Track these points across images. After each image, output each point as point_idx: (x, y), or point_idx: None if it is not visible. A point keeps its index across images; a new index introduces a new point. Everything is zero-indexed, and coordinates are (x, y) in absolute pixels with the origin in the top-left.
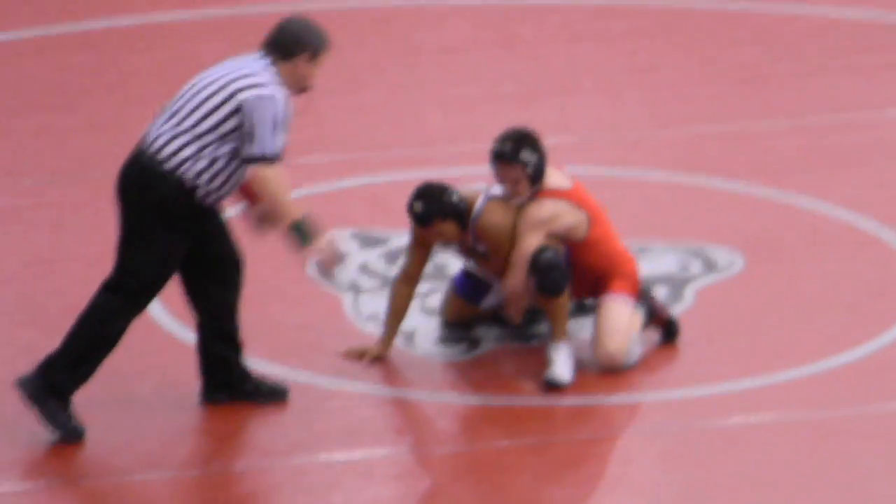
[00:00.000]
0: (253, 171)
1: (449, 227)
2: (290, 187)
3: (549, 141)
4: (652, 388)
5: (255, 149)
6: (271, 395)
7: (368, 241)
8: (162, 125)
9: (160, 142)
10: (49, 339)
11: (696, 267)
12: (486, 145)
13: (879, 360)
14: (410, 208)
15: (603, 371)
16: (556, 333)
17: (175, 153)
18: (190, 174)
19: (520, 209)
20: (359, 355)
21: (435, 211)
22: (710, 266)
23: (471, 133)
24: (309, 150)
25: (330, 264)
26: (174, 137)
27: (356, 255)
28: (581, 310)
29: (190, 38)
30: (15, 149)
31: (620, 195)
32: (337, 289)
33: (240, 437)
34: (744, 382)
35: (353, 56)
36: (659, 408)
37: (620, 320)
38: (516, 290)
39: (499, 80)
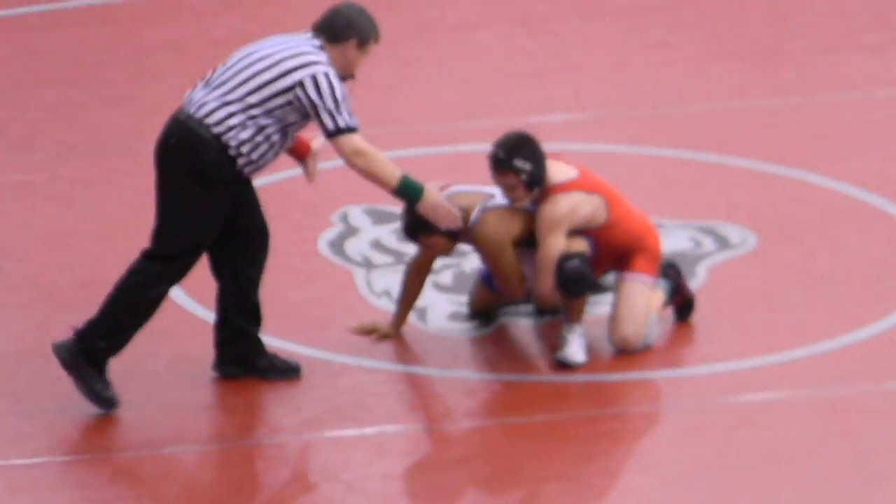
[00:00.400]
0: (341, 144)
1: (438, 241)
2: (380, 153)
3: (562, 117)
4: (665, 365)
5: (333, 123)
6: (284, 371)
7: (381, 217)
8: (208, 93)
9: (207, 108)
10: (61, 313)
11: (708, 244)
12: (501, 122)
13: (891, 338)
14: (400, 221)
15: (618, 349)
16: (571, 316)
17: (223, 120)
18: (234, 142)
19: (527, 215)
20: (369, 331)
21: (422, 226)
22: (722, 243)
23: (485, 109)
24: None
25: (447, 219)
26: (222, 105)
27: (369, 231)
28: (598, 289)
29: (203, 14)
30: (27, 123)
31: (633, 172)
32: (349, 264)
33: (252, 412)
34: (757, 360)
35: None
36: (672, 385)
37: (639, 304)
38: (547, 294)
39: (513, 57)
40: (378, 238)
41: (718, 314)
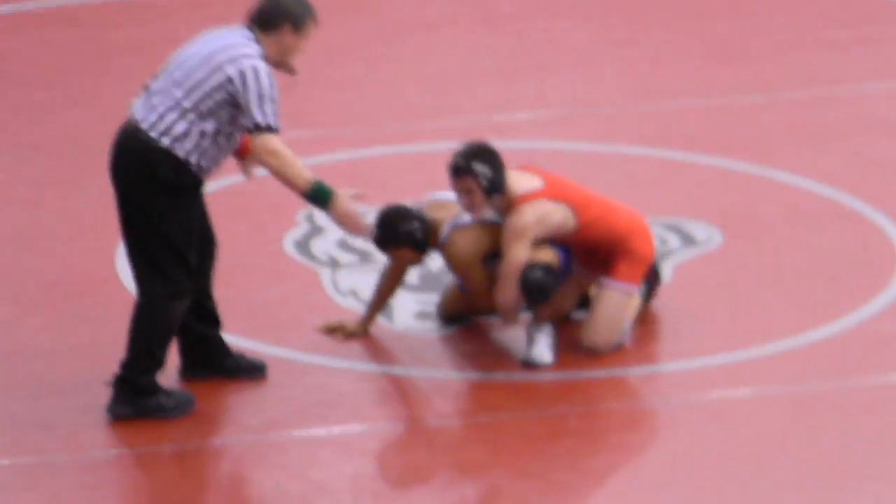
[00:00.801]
0: (256, 142)
1: (406, 254)
2: (295, 155)
3: (527, 116)
4: (633, 363)
5: (253, 119)
6: (250, 370)
7: None
8: (151, 103)
9: (152, 118)
10: (28, 316)
11: (674, 242)
12: (466, 121)
13: (859, 334)
14: (372, 231)
15: (584, 350)
16: (539, 316)
17: (168, 130)
18: (182, 151)
19: (496, 231)
20: (335, 330)
21: (389, 240)
22: (688, 241)
23: (450, 108)
24: (287, 125)
25: (356, 229)
26: (165, 113)
27: (335, 231)
28: (583, 304)
29: (169, 15)
30: None
31: (598, 170)
32: (315, 264)
33: (218, 413)
34: (723, 357)
35: (331, 31)
36: (640, 383)
37: (615, 314)
38: (508, 305)
39: (477, 55)
40: (344, 238)
41: (685, 312)
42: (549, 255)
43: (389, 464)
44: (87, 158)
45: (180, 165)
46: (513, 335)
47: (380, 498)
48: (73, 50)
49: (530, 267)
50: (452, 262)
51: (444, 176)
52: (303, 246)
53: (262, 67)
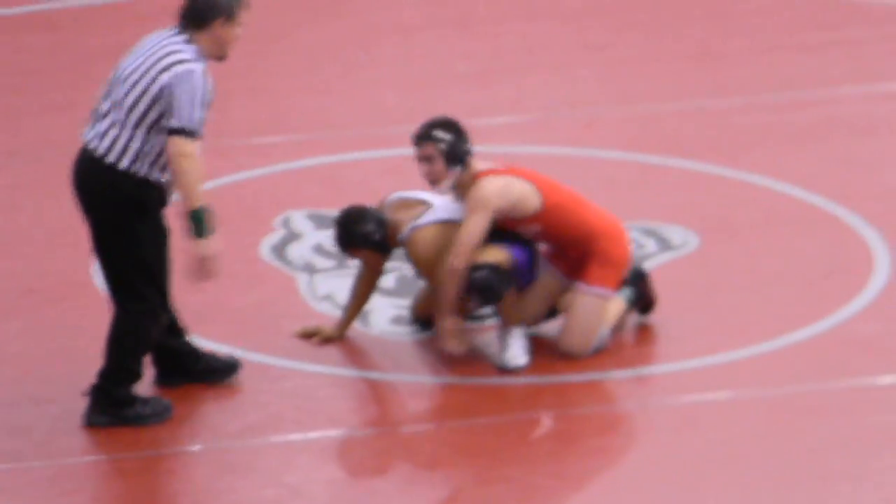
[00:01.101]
0: (173, 143)
1: (365, 255)
2: (204, 171)
3: (504, 120)
4: (610, 366)
5: (174, 121)
6: (224, 370)
7: (323, 222)
8: (101, 127)
9: (106, 143)
10: (5, 321)
11: (651, 245)
12: None
13: (835, 337)
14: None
15: (562, 355)
16: (506, 320)
17: (124, 151)
18: (143, 171)
19: (455, 228)
20: (312, 335)
21: (345, 241)
22: (665, 245)
23: (427, 112)
24: (265, 130)
25: (204, 274)
26: (117, 136)
27: (311, 236)
28: (552, 314)
29: (145, 20)
30: None
31: (576, 173)
32: (291, 269)
33: (195, 418)
34: (700, 360)
35: (308, 36)
36: (617, 386)
37: (590, 319)
38: (455, 268)
39: (454, 59)
40: (320, 242)
41: (661, 315)
42: (498, 256)
43: (366, 469)
44: (65, 164)
45: (145, 184)
46: (488, 339)
47: (357, 503)
48: (49, 55)
49: (477, 267)
50: (415, 261)
51: (419, 182)
52: (279, 251)
53: (198, 72)
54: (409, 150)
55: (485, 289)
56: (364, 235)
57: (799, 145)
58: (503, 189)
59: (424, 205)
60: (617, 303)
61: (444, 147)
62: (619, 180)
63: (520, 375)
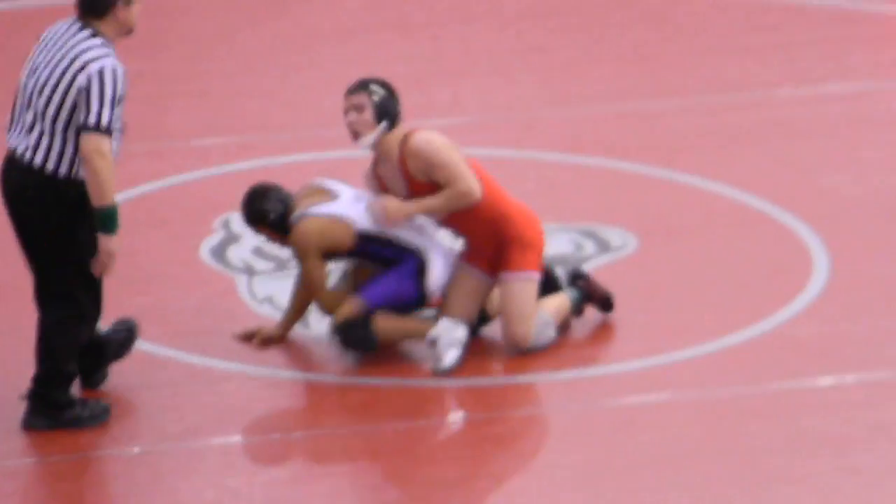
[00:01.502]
0: (87, 140)
1: (266, 233)
2: (114, 170)
3: (442, 122)
4: (548, 368)
5: (88, 119)
6: (126, 339)
7: None
8: (27, 134)
9: (35, 150)
10: None
11: (590, 247)
12: None
13: (773, 339)
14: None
15: (511, 352)
16: (414, 335)
17: (56, 156)
18: (76, 171)
19: (345, 229)
20: (252, 337)
21: (246, 217)
22: (603, 246)
23: None
24: (204, 132)
25: (103, 267)
26: (46, 142)
27: (250, 238)
28: (484, 320)
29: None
30: None
31: (515, 176)
32: (231, 271)
33: (134, 420)
34: (639, 362)
35: (248, 39)
36: (556, 388)
37: (524, 303)
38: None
39: (393, 62)
40: (259, 245)
41: (600, 317)
42: (346, 310)
43: (306, 471)
44: None
45: (79, 186)
46: (423, 342)
47: None
48: None
49: (335, 330)
50: (292, 244)
51: (359, 183)
52: (219, 253)
53: (108, 67)
54: (347, 154)
55: (351, 348)
56: (262, 212)
57: (737, 147)
58: (442, 137)
59: (330, 195)
60: (560, 299)
61: (377, 99)
62: (557, 183)
63: (459, 378)
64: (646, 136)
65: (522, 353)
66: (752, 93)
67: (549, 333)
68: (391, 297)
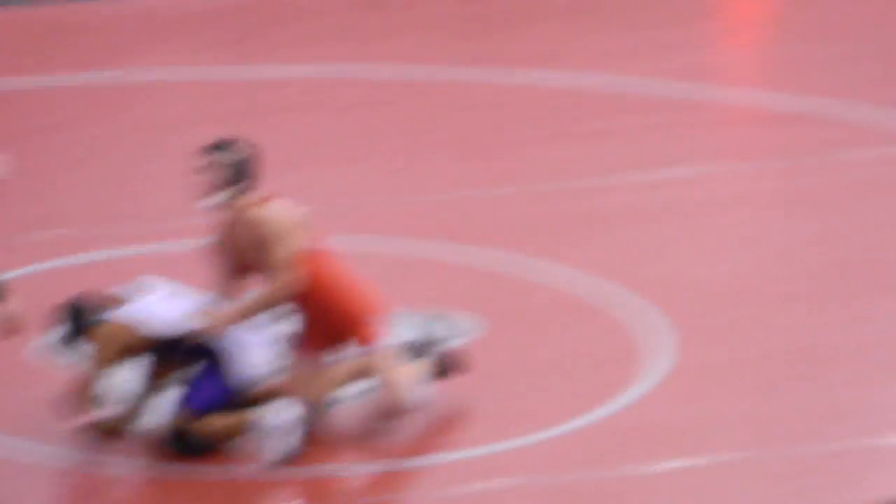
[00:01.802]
0: None
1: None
2: None
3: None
4: (392, 456)
5: None
6: None
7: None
8: None
9: None
10: None
11: (439, 332)
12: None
13: (621, 421)
14: None
15: (383, 420)
16: (245, 426)
17: None
18: None
19: (133, 334)
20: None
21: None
22: (452, 331)
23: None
24: (45, 224)
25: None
26: None
27: None
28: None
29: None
30: None
31: (361, 262)
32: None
33: None
34: (487, 447)
35: (92, 128)
36: (398, 477)
37: (391, 370)
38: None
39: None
40: None
41: (447, 402)
42: (179, 421)
43: None
44: None
45: None
46: (256, 432)
47: None
48: None
49: (170, 441)
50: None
51: (199, 275)
52: (60, 346)
53: None
54: (193, 244)
55: (197, 451)
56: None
57: (582, 233)
58: (292, 212)
59: (128, 302)
60: (411, 369)
61: (230, 161)
62: (404, 269)
63: (298, 467)
64: (491, 221)
65: (399, 417)
66: (590, 179)
67: (417, 405)
68: (214, 398)
